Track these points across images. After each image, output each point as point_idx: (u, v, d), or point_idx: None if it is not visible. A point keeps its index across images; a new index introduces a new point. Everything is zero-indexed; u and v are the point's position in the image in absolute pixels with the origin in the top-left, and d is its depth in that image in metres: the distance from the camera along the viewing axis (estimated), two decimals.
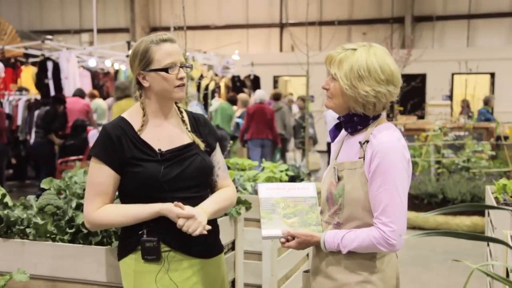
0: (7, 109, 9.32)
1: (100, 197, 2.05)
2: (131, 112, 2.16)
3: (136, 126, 2.10)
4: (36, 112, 8.99)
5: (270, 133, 9.09)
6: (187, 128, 2.19)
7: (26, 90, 9.91)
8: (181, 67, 2.10)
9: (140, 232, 2.03)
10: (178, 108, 2.22)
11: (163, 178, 2.03)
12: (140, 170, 2.03)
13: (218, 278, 2.21)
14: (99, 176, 2.05)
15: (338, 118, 2.07)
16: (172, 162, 2.07)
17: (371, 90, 1.91)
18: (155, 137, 2.10)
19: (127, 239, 2.10)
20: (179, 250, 2.06)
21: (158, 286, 2.03)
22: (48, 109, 8.53)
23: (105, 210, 2.05)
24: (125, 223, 2.06)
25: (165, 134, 2.12)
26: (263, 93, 9.62)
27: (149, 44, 2.07)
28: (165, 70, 2.06)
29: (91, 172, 2.07)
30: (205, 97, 7.21)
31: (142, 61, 2.07)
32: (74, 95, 9.38)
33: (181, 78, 2.09)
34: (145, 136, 2.09)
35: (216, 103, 10.21)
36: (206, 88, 11.04)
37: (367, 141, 1.93)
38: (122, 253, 2.12)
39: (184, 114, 2.23)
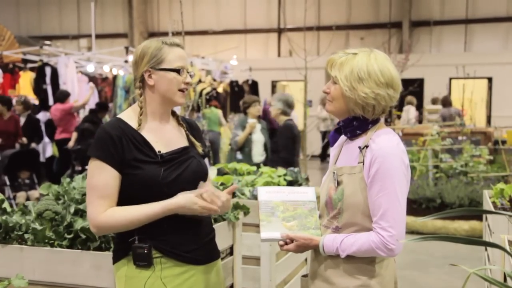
0: None
1: (105, 200, 1.97)
2: (128, 113, 2.13)
3: (134, 126, 2.08)
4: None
5: None
6: (185, 131, 2.19)
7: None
8: (188, 73, 2.13)
9: (131, 239, 2.00)
10: (172, 111, 2.21)
11: (163, 180, 2.01)
12: (139, 172, 2.00)
13: (214, 285, 2.18)
14: (102, 178, 1.98)
15: (338, 123, 2.08)
16: (172, 164, 2.06)
17: (370, 92, 1.92)
18: (154, 138, 2.09)
19: (120, 244, 2.08)
20: (171, 256, 2.03)
21: None
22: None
23: (114, 212, 1.97)
24: (137, 224, 1.98)
25: (163, 136, 2.11)
26: None
27: (162, 44, 2.09)
28: (176, 71, 2.09)
29: (92, 175, 1.99)
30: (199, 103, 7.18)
31: (153, 58, 2.07)
32: (57, 99, 9.18)
33: (187, 83, 2.12)
34: (145, 136, 2.07)
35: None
36: (201, 94, 10.96)
37: (367, 146, 1.94)
38: (115, 258, 2.11)
39: (179, 118, 2.24)
